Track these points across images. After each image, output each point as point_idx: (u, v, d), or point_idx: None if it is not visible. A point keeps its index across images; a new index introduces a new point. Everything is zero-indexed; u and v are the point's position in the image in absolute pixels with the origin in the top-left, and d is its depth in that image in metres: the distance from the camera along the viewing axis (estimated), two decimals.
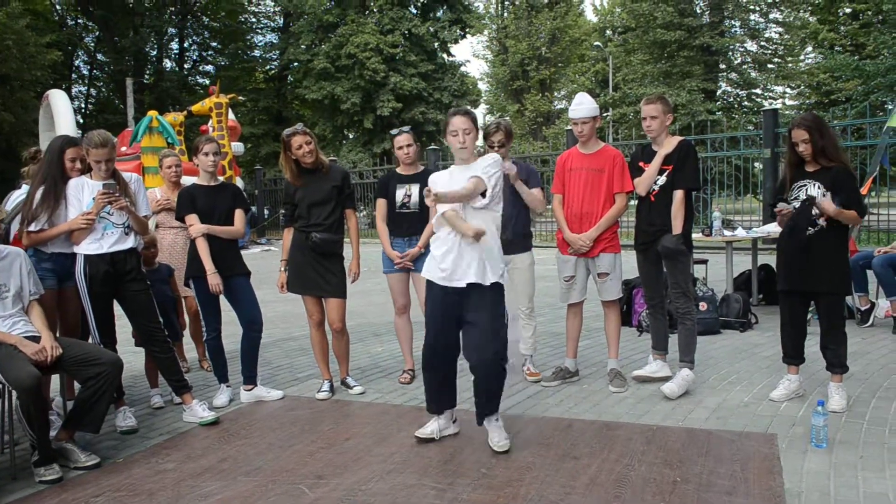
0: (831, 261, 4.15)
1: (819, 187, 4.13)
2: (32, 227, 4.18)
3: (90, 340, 4.31)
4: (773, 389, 4.47)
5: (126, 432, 4.30)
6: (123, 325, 4.52)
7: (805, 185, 4.19)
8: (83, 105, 32.79)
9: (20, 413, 3.60)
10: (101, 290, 4.25)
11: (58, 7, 31.56)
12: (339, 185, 4.81)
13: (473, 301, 3.68)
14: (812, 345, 4.45)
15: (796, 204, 4.18)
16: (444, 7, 29.95)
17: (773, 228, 8.02)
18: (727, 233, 7.36)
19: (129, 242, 4.30)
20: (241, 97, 24.07)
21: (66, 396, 4.37)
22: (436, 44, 29.09)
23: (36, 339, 3.76)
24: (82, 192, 4.22)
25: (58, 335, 4.02)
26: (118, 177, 4.34)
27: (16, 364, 3.55)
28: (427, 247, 4.31)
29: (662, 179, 4.61)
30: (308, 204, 4.75)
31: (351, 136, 30.25)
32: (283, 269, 4.93)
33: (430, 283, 3.83)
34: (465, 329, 3.74)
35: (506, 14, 43.23)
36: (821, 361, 4.40)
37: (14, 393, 3.62)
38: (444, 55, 30.52)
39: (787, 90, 29.51)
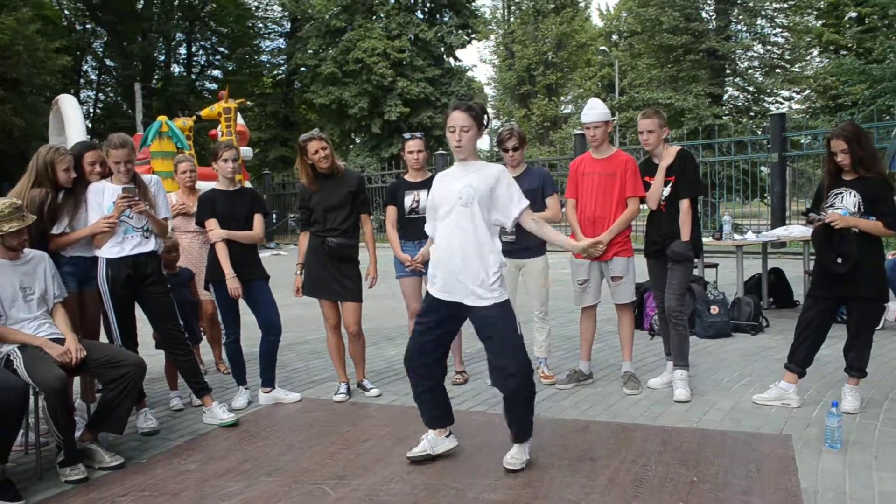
0: (870, 267, 4.16)
1: (855, 195, 4.17)
2: (55, 230, 4.25)
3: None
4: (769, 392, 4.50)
5: (147, 433, 4.37)
6: (142, 328, 4.59)
7: (841, 193, 4.23)
8: (92, 110, 32.96)
9: (47, 414, 3.67)
10: (123, 292, 4.32)
11: (67, 12, 31.75)
12: (355, 191, 4.87)
13: (478, 318, 3.52)
14: (824, 347, 4.48)
15: (831, 211, 4.20)
16: (451, 12, 30.05)
17: (783, 233, 8.10)
18: (737, 236, 7.40)
19: (150, 245, 4.38)
20: (249, 102, 24.20)
21: (88, 399, 4.44)
22: (442, 48, 29.19)
23: (60, 342, 3.83)
24: (103, 196, 4.29)
25: (79, 338, 4.07)
26: (138, 179, 4.41)
27: (42, 366, 3.61)
28: None
29: (667, 190, 4.70)
30: (324, 209, 4.81)
31: (358, 141, 30.38)
32: (298, 272, 4.99)
33: (427, 296, 3.67)
34: (486, 348, 3.58)
35: (512, 19, 43.35)
36: (833, 363, 4.44)
37: (41, 395, 3.69)
38: (451, 60, 30.61)
39: (794, 94, 29.50)
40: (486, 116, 3.60)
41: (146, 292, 4.38)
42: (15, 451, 3.81)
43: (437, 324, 3.59)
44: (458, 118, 3.50)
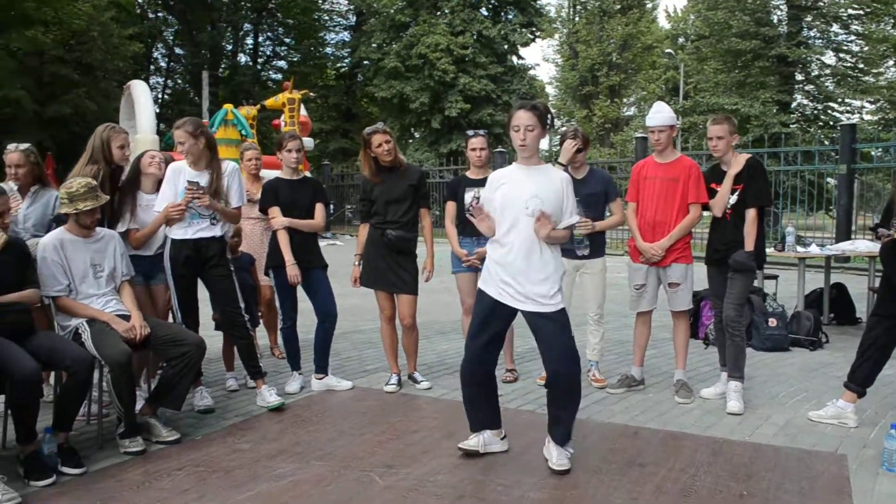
0: None
1: None
2: (119, 228, 4.39)
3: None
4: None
5: (203, 411, 4.50)
6: (203, 309, 4.71)
7: None
8: (161, 96, 33.78)
9: (110, 387, 3.82)
10: (183, 272, 4.46)
11: (140, 1, 32.63)
12: (416, 185, 4.92)
13: (533, 323, 3.55)
14: (885, 368, 4.35)
15: None
16: (516, 10, 29.96)
17: (848, 247, 7.88)
18: (800, 249, 7.23)
19: (215, 231, 4.47)
20: (312, 93, 24.53)
21: (150, 376, 4.59)
22: (506, 46, 29.12)
23: (126, 318, 3.97)
24: (179, 177, 4.43)
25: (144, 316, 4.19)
26: (215, 166, 4.49)
27: (109, 340, 3.76)
28: None
29: (734, 198, 4.62)
30: (385, 201, 4.87)
31: (418, 136, 30.52)
32: (356, 262, 5.06)
33: (481, 293, 3.65)
34: (540, 344, 3.61)
35: (577, 18, 42.98)
36: (894, 384, 4.32)
37: (105, 367, 3.83)
38: (514, 58, 30.54)
39: (866, 104, 28.61)
40: (549, 116, 3.59)
41: (209, 274, 4.51)
42: (78, 420, 3.96)
43: (490, 324, 3.60)
44: (523, 117, 3.49)
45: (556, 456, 3.55)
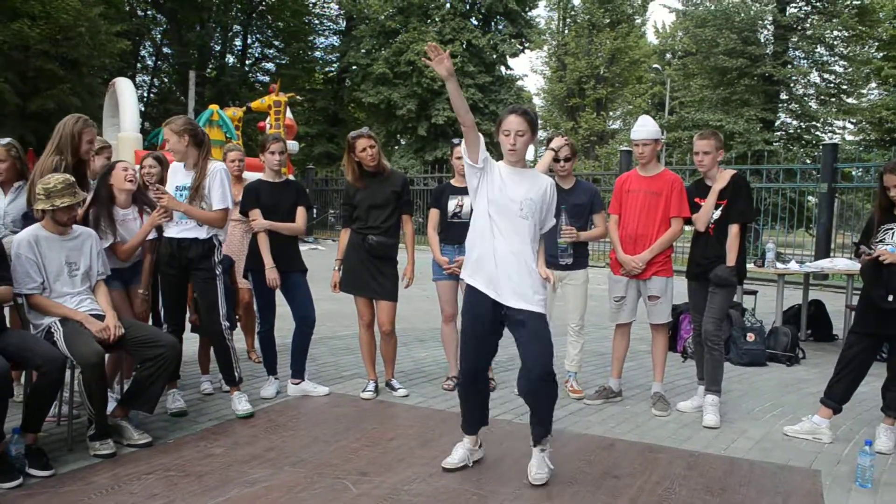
0: None
1: None
2: (104, 244, 4.29)
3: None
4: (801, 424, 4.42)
5: (176, 414, 4.44)
6: None
7: (892, 229, 4.15)
8: (146, 94, 33.60)
9: (81, 387, 3.75)
10: (167, 271, 4.44)
11: None
12: (399, 191, 4.90)
13: (522, 319, 3.46)
14: (861, 384, 4.38)
15: (881, 246, 4.13)
16: (506, 20, 30.06)
17: (827, 265, 7.94)
18: (780, 265, 7.28)
19: (198, 232, 4.40)
20: (299, 97, 24.48)
21: (123, 377, 4.53)
22: (494, 56, 29.22)
23: (100, 318, 3.91)
24: (174, 178, 4.45)
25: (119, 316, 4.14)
26: (201, 165, 4.41)
27: (81, 340, 3.70)
28: None
29: (717, 213, 4.64)
30: (367, 206, 4.84)
31: (403, 143, 30.52)
32: (336, 268, 5.02)
33: (471, 291, 3.55)
34: (519, 346, 3.52)
35: (566, 31, 43.16)
36: (869, 401, 4.34)
37: (77, 368, 3.77)
38: (502, 68, 30.64)
39: (848, 125, 28.95)
40: (537, 123, 3.59)
41: (192, 276, 4.45)
42: (48, 421, 3.89)
43: (487, 321, 3.50)
44: (514, 122, 3.47)
45: (535, 469, 3.53)
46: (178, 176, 4.44)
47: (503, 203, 3.47)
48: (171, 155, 4.52)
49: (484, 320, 3.50)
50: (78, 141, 4.27)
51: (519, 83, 32.05)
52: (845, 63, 26.86)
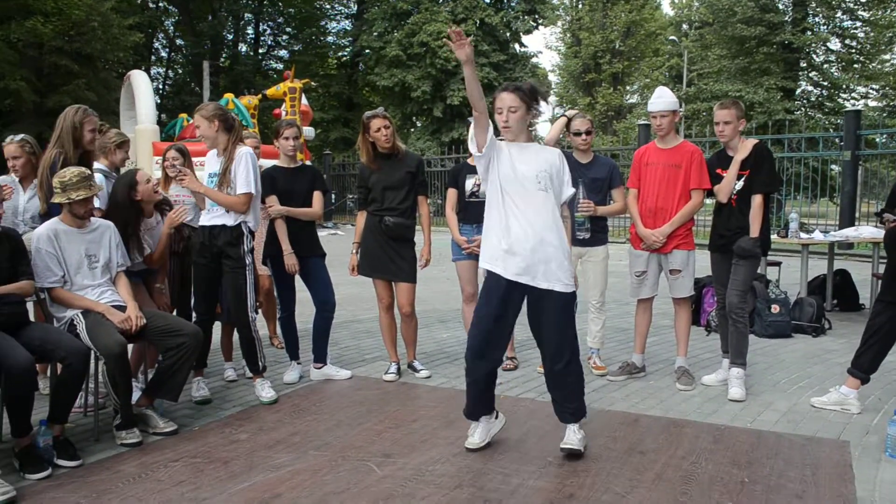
0: None
1: None
2: (137, 259, 4.35)
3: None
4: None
5: (200, 402, 4.47)
6: None
7: None
8: (161, 86, 33.75)
9: (106, 378, 3.79)
10: (199, 260, 4.46)
11: None
12: (414, 172, 4.87)
13: (548, 304, 3.46)
14: (889, 354, 4.31)
15: None
16: None
17: (852, 233, 7.82)
18: (804, 235, 7.18)
19: (225, 219, 4.36)
20: (313, 83, 24.45)
21: (147, 367, 4.56)
22: (508, 34, 28.99)
23: (122, 309, 3.93)
24: (209, 164, 4.48)
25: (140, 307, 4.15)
26: (230, 150, 4.40)
27: (104, 331, 3.72)
28: None
29: (740, 184, 4.57)
30: (382, 187, 4.81)
31: (419, 125, 30.43)
32: (354, 251, 5.02)
33: (491, 276, 3.52)
34: (542, 333, 3.53)
35: (580, 5, 42.74)
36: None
37: (101, 359, 3.80)
38: (516, 45, 30.39)
39: (871, 91, 28.42)
40: (537, 97, 3.52)
41: (222, 265, 4.43)
42: (74, 412, 3.94)
43: (506, 308, 3.49)
44: (505, 99, 3.46)
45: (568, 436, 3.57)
46: (211, 163, 4.45)
47: (518, 180, 3.44)
48: (190, 144, 4.52)
49: (500, 302, 3.48)
50: (80, 131, 4.26)
51: (534, 60, 31.80)
52: (867, 27, 26.35)
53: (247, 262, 4.41)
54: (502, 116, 3.48)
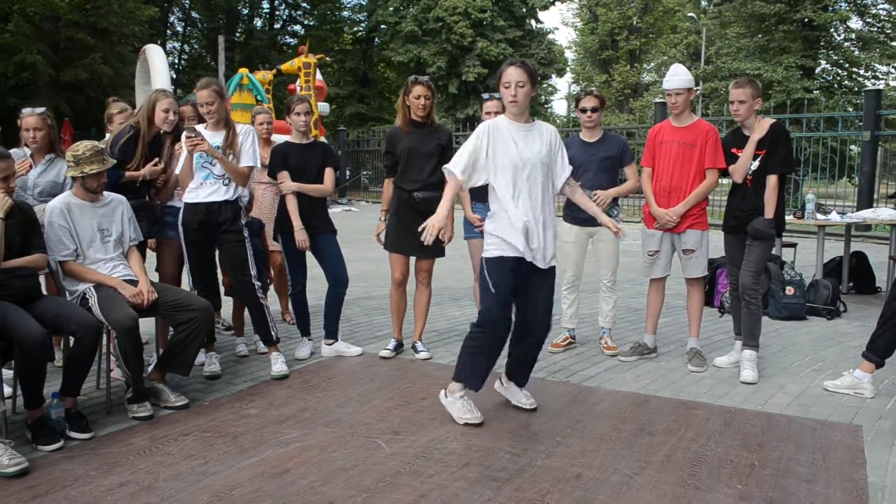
0: None
1: None
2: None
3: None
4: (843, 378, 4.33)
5: (210, 377, 4.49)
6: None
7: None
8: (177, 61, 33.70)
9: (118, 352, 3.81)
10: (196, 238, 4.44)
11: None
12: (445, 145, 4.82)
13: (538, 279, 3.70)
14: None
15: None
16: None
17: (870, 215, 7.73)
18: (820, 216, 7.10)
19: (226, 194, 4.41)
20: (328, 58, 24.34)
21: (159, 343, 4.58)
22: (524, 9, 28.74)
23: (134, 283, 3.95)
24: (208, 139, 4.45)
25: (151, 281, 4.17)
26: (230, 125, 4.47)
27: (116, 305, 3.73)
28: None
29: (755, 164, 4.51)
30: (409, 154, 4.75)
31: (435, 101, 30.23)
32: (383, 218, 4.97)
33: (502, 261, 3.61)
34: (524, 305, 3.75)
35: None
36: None
37: (113, 333, 3.82)
38: (533, 21, 30.13)
39: (892, 70, 27.94)
40: (537, 77, 3.70)
41: (220, 239, 4.47)
42: (86, 385, 3.96)
43: (514, 282, 3.64)
44: (513, 73, 3.56)
45: (525, 397, 3.92)
46: (208, 136, 4.41)
47: (520, 159, 3.60)
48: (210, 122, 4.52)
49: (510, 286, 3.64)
50: (152, 110, 4.38)
51: (550, 37, 31.53)
52: (888, 6, 25.86)
53: (245, 234, 4.51)
54: (510, 90, 3.57)
